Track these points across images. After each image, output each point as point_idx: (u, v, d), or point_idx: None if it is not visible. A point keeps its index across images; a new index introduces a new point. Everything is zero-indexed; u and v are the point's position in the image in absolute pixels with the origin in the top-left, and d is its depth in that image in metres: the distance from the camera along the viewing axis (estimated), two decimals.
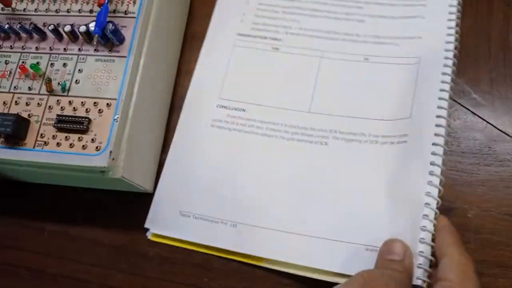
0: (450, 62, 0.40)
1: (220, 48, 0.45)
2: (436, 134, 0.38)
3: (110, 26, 0.37)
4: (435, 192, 0.36)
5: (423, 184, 0.36)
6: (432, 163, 0.37)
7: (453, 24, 0.41)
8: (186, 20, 0.48)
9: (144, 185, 0.39)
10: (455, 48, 0.40)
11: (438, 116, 0.38)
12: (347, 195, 0.38)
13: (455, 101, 0.40)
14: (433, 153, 0.37)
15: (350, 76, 0.42)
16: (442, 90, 0.39)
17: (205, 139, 0.42)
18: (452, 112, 0.40)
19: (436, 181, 0.36)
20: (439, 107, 0.39)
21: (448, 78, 0.40)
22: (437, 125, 0.38)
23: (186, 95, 0.44)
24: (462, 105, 0.40)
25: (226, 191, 0.40)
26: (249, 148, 0.41)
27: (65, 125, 0.36)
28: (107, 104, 0.37)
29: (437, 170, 0.37)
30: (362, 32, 0.44)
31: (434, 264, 0.34)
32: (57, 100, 0.38)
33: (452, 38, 0.41)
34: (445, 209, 0.37)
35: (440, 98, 0.39)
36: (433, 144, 0.38)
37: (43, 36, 0.40)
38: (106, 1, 0.38)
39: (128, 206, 0.41)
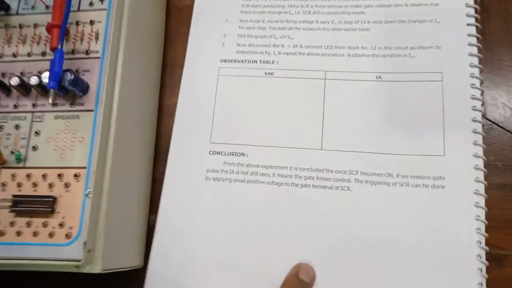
0: (477, 74, 0.34)
1: (202, 79, 0.38)
2: (476, 168, 0.32)
3: (68, 76, 0.29)
4: (483, 240, 0.31)
5: (470, 232, 0.31)
6: (476, 205, 0.31)
7: (473, 29, 0.35)
8: (162, 46, 0.40)
9: (132, 263, 0.32)
10: (480, 60, 0.34)
11: (475, 144, 0.33)
12: (381, 254, 0.32)
13: (491, 122, 0.34)
14: (476, 192, 0.32)
15: (362, 100, 0.35)
16: (475, 109, 0.33)
17: (201, 196, 0.34)
18: (490, 135, 0.34)
19: (483, 227, 0.31)
20: (474, 132, 0.33)
21: (478, 94, 0.34)
22: (476, 156, 0.32)
23: (170, 140, 0.36)
24: (500, 127, 0.34)
25: (236, 260, 0.33)
26: (257, 204, 0.34)
27: (24, 207, 0.29)
28: (75, 175, 0.29)
29: (483, 213, 0.31)
30: (368, 44, 0.37)
31: None
32: (12, 175, 0.30)
33: (474, 49, 0.35)
34: (494, 258, 0.32)
35: (474, 120, 0.33)
36: (475, 180, 0.32)
37: None
38: (60, 46, 0.30)
39: (113, 284, 0.34)
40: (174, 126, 0.36)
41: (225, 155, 0.35)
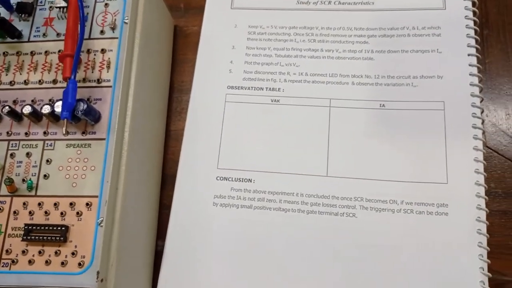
0: (478, 103, 0.35)
1: (209, 105, 0.38)
2: (477, 195, 0.33)
3: (82, 106, 0.30)
4: (486, 266, 0.32)
5: (473, 259, 0.32)
6: (478, 232, 0.32)
7: (474, 60, 0.36)
8: (170, 71, 0.41)
9: None
10: (481, 89, 0.36)
11: (477, 172, 0.34)
12: (386, 280, 0.32)
13: (492, 150, 0.35)
14: (478, 220, 0.33)
15: (366, 127, 0.36)
16: (476, 138, 0.34)
17: (208, 222, 0.35)
18: (491, 163, 0.35)
19: (485, 253, 0.32)
20: (476, 160, 0.34)
21: (479, 124, 0.35)
22: (477, 184, 0.33)
23: (178, 166, 0.37)
24: (500, 154, 0.35)
25: (243, 287, 0.33)
26: (264, 230, 0.34)
27: (36, 236, 0.29)
28: (87, 204, 0.30)
29: (485, 240, 0.32)
30: (372, 72, 0.38)
31: None
32: (24, 203, 0.30)
33: (475, 79, 0.36)
34: (497, 284, 0.32)
35: (475, 149, 0.34)
36: (477, 207, 0.33)
37: None
38: (73, 76, 0.30)
39: None
40: (181, 151, 0.37)
41: (232, 181, 0.36)
